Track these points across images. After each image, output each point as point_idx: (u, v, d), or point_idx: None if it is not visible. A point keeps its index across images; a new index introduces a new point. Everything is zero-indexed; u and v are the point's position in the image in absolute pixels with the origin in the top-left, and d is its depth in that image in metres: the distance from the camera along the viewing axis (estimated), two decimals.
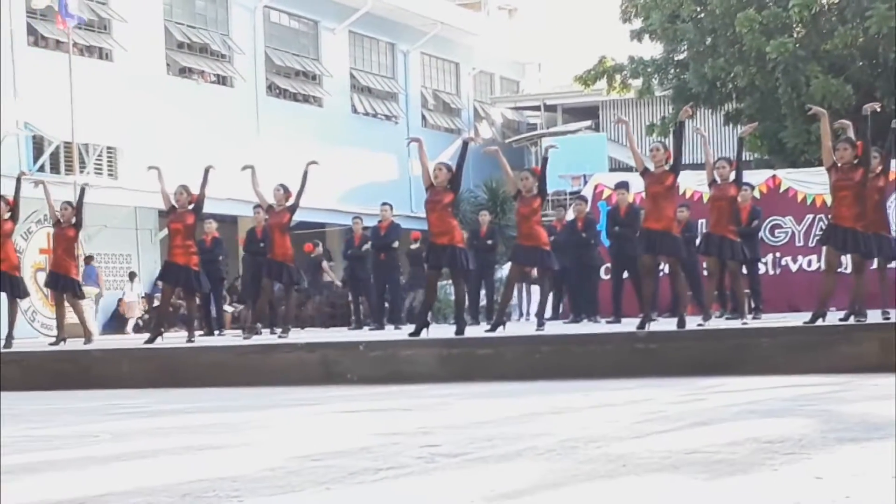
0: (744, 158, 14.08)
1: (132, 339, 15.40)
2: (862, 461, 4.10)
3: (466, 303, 13.99)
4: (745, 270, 15.26)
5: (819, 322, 10.51)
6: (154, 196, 15.16)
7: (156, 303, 24.82)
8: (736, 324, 12.21)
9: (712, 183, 12.77)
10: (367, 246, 18.15)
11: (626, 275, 16.35)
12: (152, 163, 14.52)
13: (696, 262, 15.24)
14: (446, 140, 32.47)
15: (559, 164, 23.15)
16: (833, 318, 11.17)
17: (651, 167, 11.89)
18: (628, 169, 25.99)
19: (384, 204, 18.14)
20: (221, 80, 27.48)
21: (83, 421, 7.10)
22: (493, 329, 12.32)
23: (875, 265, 12.51)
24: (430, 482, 3.97)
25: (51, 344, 14.34)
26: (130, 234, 25.36)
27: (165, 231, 16.30)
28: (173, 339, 14.08)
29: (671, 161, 11.73)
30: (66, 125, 21.69)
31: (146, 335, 14.71)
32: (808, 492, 3.51)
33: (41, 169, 22.17)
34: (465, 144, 12.55)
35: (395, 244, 18.08)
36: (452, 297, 14.45)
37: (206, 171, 13.83)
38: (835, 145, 11.21)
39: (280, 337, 13.85)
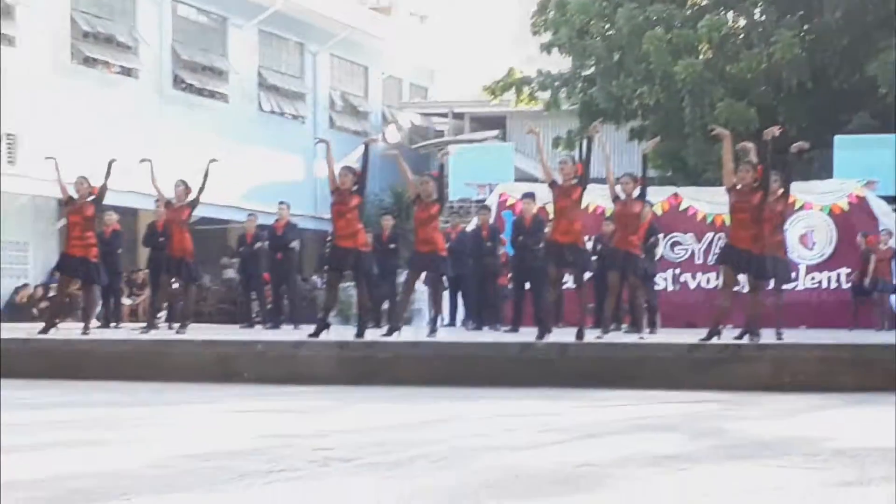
0: (647, 175, 14.21)
1: (26, 329, 15.09)
2: (750, 479, 4.17)
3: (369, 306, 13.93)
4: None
5: (714, 340, 10.65)
6: (53, 185, 14.90)
7: (52, 293, 24.47)
8: (633, 338, 12.33)
9: (616, 199, 12.88)
10: (260, 244, 17.99)
11: (527, 286, 16.42)
12: (52, 152, 14.26)
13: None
14: (354, 142, 32.31)
15: (465, 172, 23.18)
16: (728, 336, 11.33)
17: (559, 180, 11.97)
18: (534, 179, 26.10)
19: (281, 203, 18.00)
20: (126, 72, 27.10)
21: None
22: (388, 334, 12.29)
23: (771, 286, 12.73)
24: (321, 487, 3.95)
25: None
26: (28, 222, 24.92)
27: (64, 220, 16.03)
28: (69, 330, 13.85)
29: (579, 175, 11.84)
30: None
31: (38, 325, 14.44)
32: None
33: None
34: (367, 147, 12.52)
35: (293, 244, 17.96)
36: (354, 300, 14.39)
37: (110, 165, 13.65)
38: (736, 167, 11.37)
39: (178, 332, 13.71)
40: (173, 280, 15.31)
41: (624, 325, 15.08)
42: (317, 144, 13.10)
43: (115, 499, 3.63)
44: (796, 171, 13.11)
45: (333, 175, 12.15)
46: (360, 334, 11.67)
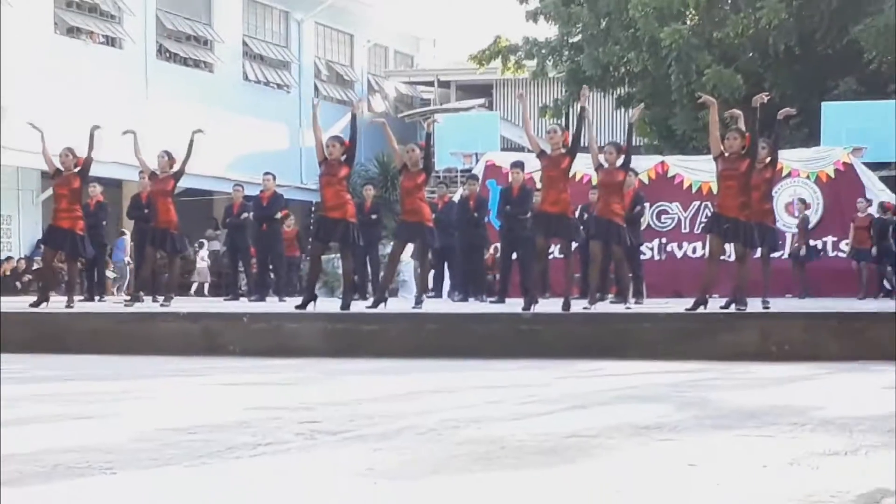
0: (633, 144, 14.19)
1: (9, 303, 15.07)
2: (735, 449, 4.17)
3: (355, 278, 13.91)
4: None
5: (700, 309, 10.66)
6: (37, 157, 14.83)
7: (35, 266, 24.41)
8: (619, 308, 12.34)
9: (599, 167, 12.84)
10: (247, 215, 17.90)
11: (514, 256, 16.42)
12: (37, 123, 14.18)
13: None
14: (339, 112, 32.32)
15: (451, 142, 23.15)
16: (715, 305, 11.34)
17: (547, 149, 11.94)
18: (520, 149, 26.11)
19: (266, 174, 17.87)
20: (111, 42, 26.99)
21: None
22: (374, 306, 12.27)
23: (758, 254, 12.74)
24: (308, 459, 3.94)
25: None
26: (12, 194, 24.84)
27: (48, 193, 15.97)
28: (52, 303, 13.81)
29: (567, 144, 11.82)
30: None
31: (22, 298, 14.39)
32: (680, 478, 3.55)
33: None
34: (354, 116, 12.49)
35: (278, 215, 17.89)
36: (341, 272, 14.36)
37: (92, 133, 13.56)
38: (723, 135, 11.35)
39: (162, 305, 13.67)
40: (159, 253, 15.24)
41: (610, 295, 15.09)
42: (314, 105, 12.97)
43: (99, 472, 3.61)
44: (783, 138, 13.10)
45: (321, 144, 12.09)
46: (345, 306, 11.65)
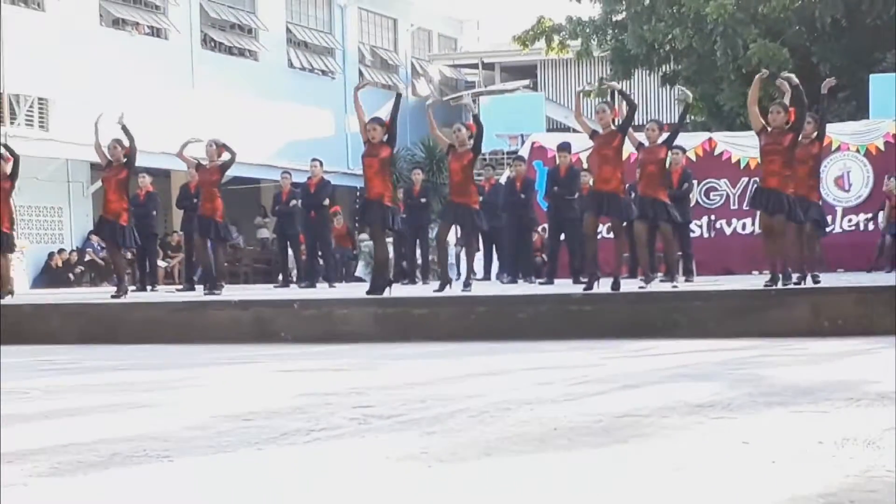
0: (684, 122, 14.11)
1: (63, 294, 15.21)
2: (789, 426, 4.15)
3: (393, 263, 13.89)
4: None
5: (778, 285, 10.66)
6: (86, 149, 14.94)
7: (87, 257, 24.62)
8: (668, 287, 12.29)
9: (640, 146, 12.76)
10: (296, 202, 17.95)
11: (562, 237, 16.38)
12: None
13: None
14: (384, 97, 32.32)
15: (496, 123, 23.07)
16: (761, 281, 11.28)
17: (599, 129, 11.91)
18: (566, 129, 26.07)
19: (314, 160, 17.92)
20: (156, 33, 27.12)
21: (13, 377, 7.01)
22: (440, 290, 12.24)
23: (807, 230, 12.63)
24: (362, 443, 3.96)
25: None
26: (62, 187, 25.05)
27: (98, 184, 16.10)
28: (105, 294, 13.93)
29: (617, 121, 11.82)
30: None
31: (74, 290, 14.53)
32: (735, 456, 3.54)
33: None
34: (399, 97, 12.47)
35: (326, 202, 17.91)
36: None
37: (122, 124, 13.64)
38: (767, 109, 11.27)
39: (210, 294, 13.75)
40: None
41: (659, 274, 15.03)
42: (357, 90, 12.97)
43: (156, 460, 3.64)
44: (832, 111, 12.97)
45: (364, 125, 12.12)
46: (373, 290, 11.64)
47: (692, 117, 27.45)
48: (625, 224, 12.59)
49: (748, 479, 3.17)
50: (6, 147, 14.75)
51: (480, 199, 13.53)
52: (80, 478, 3.39)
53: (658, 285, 13.10)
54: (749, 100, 11.61)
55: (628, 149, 16.43)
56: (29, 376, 7.07)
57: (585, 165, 16.90)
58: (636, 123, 12.43)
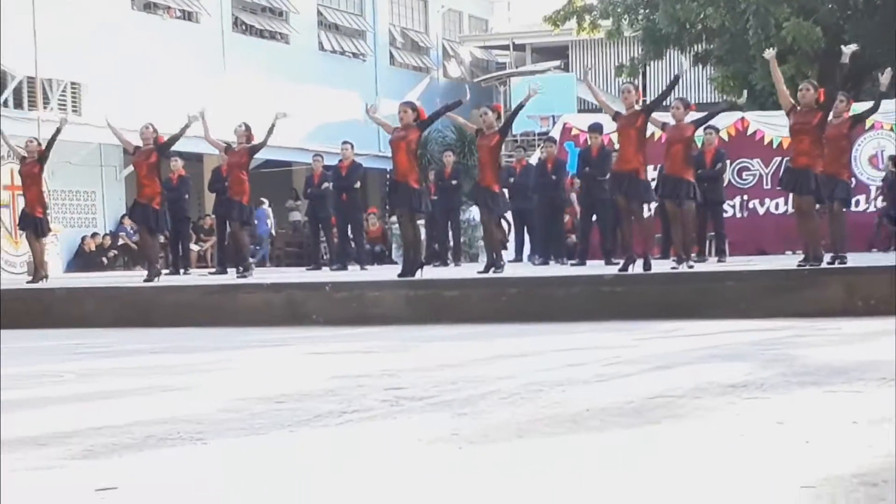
0: (714, 101, 14.08)
1: (96, 278, 15.30)
2: (823, 406, 4.13)
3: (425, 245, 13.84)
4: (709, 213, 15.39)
5: (816, 265, 10.60)
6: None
7: (121, 241, 24.74)
8: (701, 267, 12.23)
9: (664, 125, 12.71)
10: (328, 185, 17.94)
11: (593, 218, 16.34)
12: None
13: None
14: (414, 78, 32.29)
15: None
16: (794, 261, 11.22)
17: (623, 109, 11.87)
18: (597, 110, 25.91)
19: (345, 142, 17.88)
20: (187, 16, 27.17)
21: (47, 360, 7.07)
22: (485, 271, 12.27)
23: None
24: (394, 425, 3.96)
25: (28, 282, 14.32)
26: (95, 171, 25.14)
27: (130, 168, 16.17)
28: (138, 277, 14.00)
29: (640, 101, 11.78)
30: (30, 60, 21.42)
31: (107, 273, 14.63)
32: (768, 436, 3.53)
33: (4, 104, 21.91)
34: (458, 104, 12.60)
35: (358, 184, 17.90)
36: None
37: (202, 115, 13.94)
38: (798, 87, 11.22)
39: (239, 276, 13.72)
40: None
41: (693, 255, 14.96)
42: (370, 113, 13.07)
43: (190, 442, 3.67)
44: (865, 91, 12.86)
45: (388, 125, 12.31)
46: (405, 273, 11.64)
47: (724, 96, 27.31)
48: (653, 205, 12.52)
49: (782, 459, 3.16)
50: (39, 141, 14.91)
51: (511, 180, 13.52)
52: (114, 460, 3.41)
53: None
54: (773, 78, 11.54)
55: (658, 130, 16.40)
56: (63, 360, 7.12)
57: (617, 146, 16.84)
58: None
